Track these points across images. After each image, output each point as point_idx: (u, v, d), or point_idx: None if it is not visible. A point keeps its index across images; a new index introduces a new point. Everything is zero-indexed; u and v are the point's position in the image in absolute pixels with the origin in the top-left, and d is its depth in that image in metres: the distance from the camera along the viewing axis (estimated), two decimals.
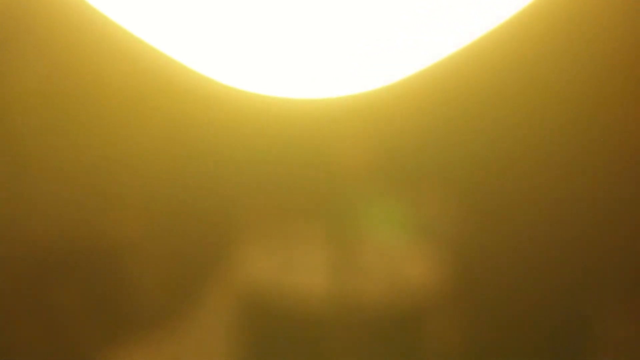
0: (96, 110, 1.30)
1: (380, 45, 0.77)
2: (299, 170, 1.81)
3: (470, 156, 2.66)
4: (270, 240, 2.12)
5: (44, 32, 1.36)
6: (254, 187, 1.69)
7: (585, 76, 2.71)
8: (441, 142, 2.28)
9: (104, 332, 1.47)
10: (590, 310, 2.20)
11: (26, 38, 1.38)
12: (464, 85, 2.32)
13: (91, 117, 1.31)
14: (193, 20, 0.79)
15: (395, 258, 2.64)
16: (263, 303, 2.10)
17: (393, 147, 2.36)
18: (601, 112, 2.80)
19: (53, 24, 1.32)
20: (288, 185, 1.74)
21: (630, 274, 2.72)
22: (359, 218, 2.08)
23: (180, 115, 1.52)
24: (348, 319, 1.98)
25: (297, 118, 1.45)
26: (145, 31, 0.83)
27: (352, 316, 1.96)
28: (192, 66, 0.88)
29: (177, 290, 1.46)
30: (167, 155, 1.37)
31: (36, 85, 1.28)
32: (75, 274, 1.44)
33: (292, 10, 0.73)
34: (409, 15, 0.74)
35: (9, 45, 1.37)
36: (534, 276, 2.26)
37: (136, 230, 1.45)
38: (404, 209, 2.36)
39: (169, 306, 1.45)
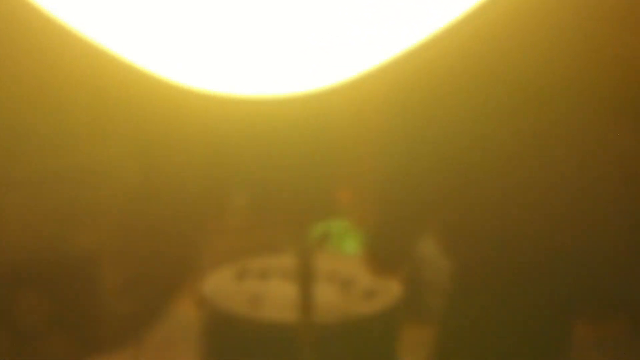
0: (64, 117, 1.31)
1: (333, 44, 0.85)
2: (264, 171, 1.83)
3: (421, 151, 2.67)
4: (237, 252, 2.13)
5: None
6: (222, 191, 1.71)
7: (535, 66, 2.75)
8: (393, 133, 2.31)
9: (71, 345, 1.46)
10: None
11: None
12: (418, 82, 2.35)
13: (59, 124, 1.31)
14: (145, 22, 0.83)
15: (352, 264, 2.68)
16: (227, 315, 2.10)
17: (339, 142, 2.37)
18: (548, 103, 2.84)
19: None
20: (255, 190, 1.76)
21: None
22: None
23: (142, 119, 1.52)
24: (310, 328, 1.99)
25: (255, 116, 1.45)
26: (102, 36, 0.87)
27: (314, 326, 1.97)
28: (148, 68, 0.91)
29: (144, 302, 1.44)
30: (133, 163, 1.37)
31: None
32: (44, 286, 1.43)
33: (246, 11, 0.80)
34: (363, 14, 0.81)
35: None
36: (489, 285, 2.29)
37: (102, 241, 1.44)
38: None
39: (137, 317, 1.44)
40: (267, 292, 2.16)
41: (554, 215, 2.38)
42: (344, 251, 2.48)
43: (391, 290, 2.17)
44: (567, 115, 2.06)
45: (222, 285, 2.15)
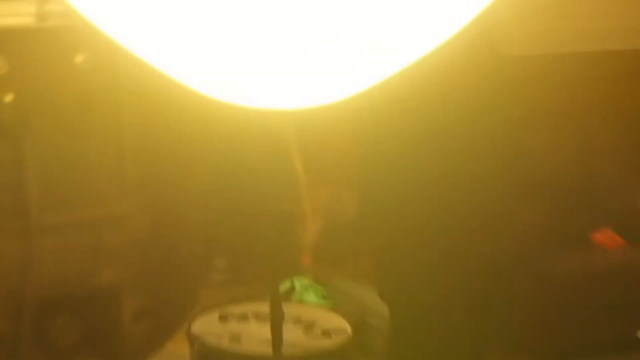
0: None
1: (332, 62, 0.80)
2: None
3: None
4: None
5: None
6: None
7: None
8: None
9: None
10: None
11: None
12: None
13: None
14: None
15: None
16: (213, 349, 2.22)
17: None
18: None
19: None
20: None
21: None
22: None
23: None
24: None
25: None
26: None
27: (283, 358, 2.08)
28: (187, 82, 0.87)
29: (155, 326, 1.54)
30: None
31: None
32: (74, 312, 1.51)
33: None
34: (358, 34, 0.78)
35: None
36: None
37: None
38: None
39: (149, 338, 1.53)
40: (245, 331, 2.29)
41: (474, 261, 2.51)
42: (306, 301, 2.66)
43: (345, 331, 2.33)
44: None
45: (208, 326, 2.30)
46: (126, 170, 1.55)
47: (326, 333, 2.37)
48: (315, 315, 2.43)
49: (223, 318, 2.42)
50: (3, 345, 1.50)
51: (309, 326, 2.36)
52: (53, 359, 1.56)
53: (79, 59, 1.50)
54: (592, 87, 4.49)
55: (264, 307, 2.31)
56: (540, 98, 3.92)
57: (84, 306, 1.53)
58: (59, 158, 1.50)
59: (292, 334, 2.27)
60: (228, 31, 0.77)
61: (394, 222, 2.43)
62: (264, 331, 2.23)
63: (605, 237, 4.27)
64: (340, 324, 2.41)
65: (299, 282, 3.14)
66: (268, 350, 2.16)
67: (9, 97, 1.45)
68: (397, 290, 2.45)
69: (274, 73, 0.81)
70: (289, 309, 2.35)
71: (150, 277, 1.58)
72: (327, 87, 0.85)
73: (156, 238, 1.61)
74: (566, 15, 4.11)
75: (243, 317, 2.46)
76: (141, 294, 1.56)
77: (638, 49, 4.07)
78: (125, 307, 1.54)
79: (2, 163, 1.45)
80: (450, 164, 2.58)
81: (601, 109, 4.42)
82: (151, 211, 1.60)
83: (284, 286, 2.68)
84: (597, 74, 4.36)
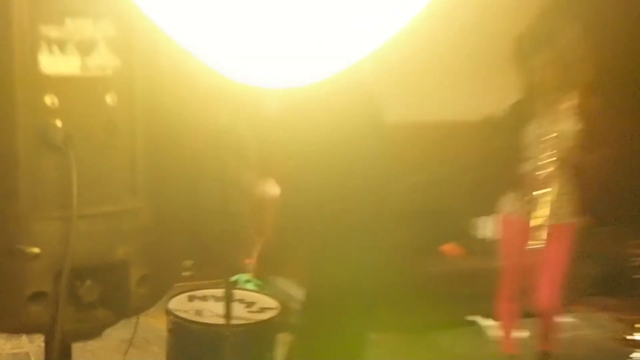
0: None
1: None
2: None
3: None
4: None
5: None
6: None
7: None
8: None
9: (111, 313, 1.68)
10: None
11: None
12: None
13: None
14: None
15: None
16: (183, 322, 2.47)
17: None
18: None
19: None
20: None
21: None
22: None
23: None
24: (230, 329, 2.33)
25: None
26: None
27: (232, 327, 2.29)
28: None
29: (153, 289, 1.71)
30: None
31: None
32: (96, 277, 1.65)
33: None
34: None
35: None
36: None
37: None
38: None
39: (149, 297, 1.69)
40: (206, 308, 2.52)
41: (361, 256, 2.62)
42: (247, 289, 2.91)
43: (275, 309, 2.59)
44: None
45: (180, 304, 2.55)
46: (136, 177, 1.67)
47: (262, 310, 2.62)
48: (254, 298, 2.66)
49: (191, 298, 2.65)
50: (47, 299, 1.65)
51: (250, 305, 2.60)
52: (80, 311, 1.68)
53: (108, 98, 1.63)
54: (443, 147, 4.86)
55: (219, 292, 2.56)
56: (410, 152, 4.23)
57: (103, 273, 1.64)
58: (92, 167, 1.60)
59: (238, 310, 2.51)
60: (246, 21, 0.80)
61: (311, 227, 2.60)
62: (219, 308, 2.46)
63: (450, 248, 4.63)
64: (272, 304, 2.65)
65: (242, 277, 3.35)
66: (222, 321, 2.40)
67: (59, 123, 1.57)
68: (312, 283, 2.66)
69: (273, 56, 0.82)
70: (236, 293, 2.61)
71: (150, 254, 1.72)
72: (313, 68, 0.85)
73: (155, 226, 1.80)
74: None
75: (204, 298, 2.70)
76: (143, 265, 1.69)
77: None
78: (132, 274, 1.67)
79: (54, 169, 1.56)
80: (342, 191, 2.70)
81: (450, 163, 4.80)
82: (153, 207, 1.70)
83: (233, 279, 2.89)
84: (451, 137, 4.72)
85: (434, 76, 4.79)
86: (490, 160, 3.86)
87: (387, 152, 2.65)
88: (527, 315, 3.71)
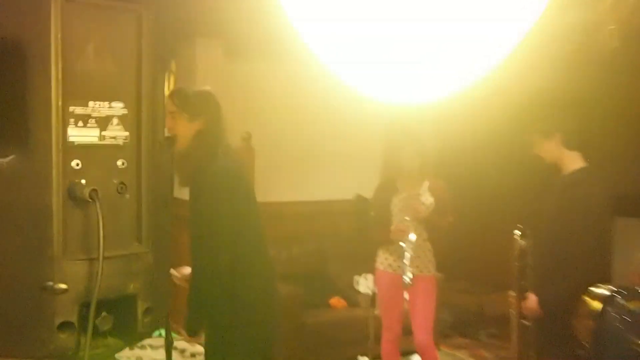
0: None
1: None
2: None
3: None
4: None
5: None
6: None
7: None
8: None
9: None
10: None
11: None
12: None
13: None
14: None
15: None
16: None
17: None
18: None
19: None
20: None
21: None
22: None
23: None
24: None
25: None
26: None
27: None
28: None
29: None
30: None
31: None
32: None
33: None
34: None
35: None
36: None
37: None
38: None
39: None
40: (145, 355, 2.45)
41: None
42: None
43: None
44: None
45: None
46: (142, 227, 1.80)
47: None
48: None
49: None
50: (73, 328, 1.65)
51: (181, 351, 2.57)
52: (95, 338, 1.69)
53: (119, 162, 1.76)
54: (324, 221, 5.12)
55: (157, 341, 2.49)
56: None
57: (115, 305, 1.73)
58: (107, 219, 1.70)
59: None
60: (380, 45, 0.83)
61: None
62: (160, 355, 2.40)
63: (336, 301, 4.82)
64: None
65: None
66: None
67: (83, 181, 1.69)
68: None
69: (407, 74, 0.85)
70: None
71: (153, 289, 1.79)
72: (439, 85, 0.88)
73: (156, 268, 1.91)
74: None
75: (142, 347, 2.69)
76: (148, 299, 1.78)
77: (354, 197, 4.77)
78: (139, 306, 1.77)
79: (81, 218, 1.67)
80: None
81: (332, 234, 5.07)
82: (154, 253, 1.82)
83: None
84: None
85: (313, 166, 5.09)
86: (364, 228, 4.13)
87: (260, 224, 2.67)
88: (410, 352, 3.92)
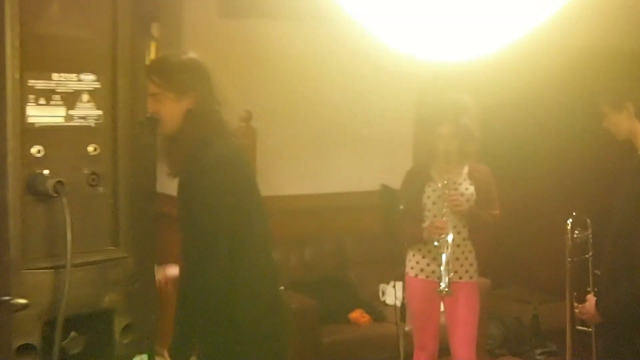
0: None
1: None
2: None
3: None
4: None
5: None
6: None
7: None
8: None
9: None
10: None
11: None
12: None
13: None
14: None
15: None
16: None
17: None
18: None
19: None
20: None
21: None
22: None
23: None
24: None
25: None
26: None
27: None
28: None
29: None
30: None
31: None
32: None
33: None
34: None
35: None
36: None
37: None
38: None
39: None
40: None
41: None
42: None
43: None
44: None
45: None
46: (119, 227, 1.80)
47: None
48: None
49: None
50: (35, 352, 1.69)
51: None
52: None
53: (90, 148, 1.76)
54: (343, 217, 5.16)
55: None
56: None
57: (88, 323, 1.74)
58: (80, 216, 1.71)
59: None
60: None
61: None
62: None
63: (358, 315, 4.83)
64: None
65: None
66: None
67: (46, 172, 1.68)
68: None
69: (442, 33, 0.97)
70: None
71: (133, 303, 1.84)
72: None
73: (138, 274, 1.91)
74: None
75: None
76: (127, 314, 1.78)
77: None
78: (116, 324, 1.77)
79: (43, 217, 1.67)
80: None
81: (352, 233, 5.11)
82: (135, 258, 1.83)
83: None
84: None
85: (329, 151, 5.09)
86: (391, 226, 4.13)
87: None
88: None
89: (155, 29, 4.45)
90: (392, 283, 4.49)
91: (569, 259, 2.98)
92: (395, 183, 4.16)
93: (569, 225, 3.00)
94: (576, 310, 3.12)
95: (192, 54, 2.48)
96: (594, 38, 3.87)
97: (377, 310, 4.63)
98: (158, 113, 2.45)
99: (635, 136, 3.05)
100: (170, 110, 2.38)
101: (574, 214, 3.00)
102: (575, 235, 3.33)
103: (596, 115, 3.07)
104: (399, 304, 4.16)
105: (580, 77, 4.07)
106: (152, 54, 4.24)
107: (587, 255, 3.40)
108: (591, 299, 3.07)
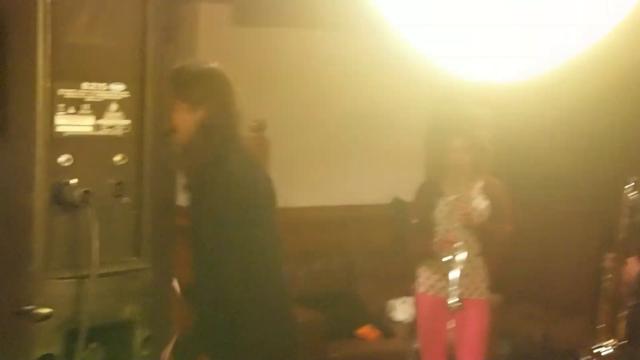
0: None
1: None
2: None
3: None
4: None
5: None
6: None
7: None
8: None
9: None
10: None
11: None
12: None
13: None
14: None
15: None
16: None
17: None
18: None
19: None
20: None
21: None
22: None
23: None
24: None
25: None
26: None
27: None
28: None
29: None
30: None
31: None
32: None
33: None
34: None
35: None
36: None
37: None
38: None
39: None
40: None
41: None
42: None
43: None
44: None
45: None
46: (142, 238, 1.81)
47: None
48: None
49: None
50: None
51: None
52: None
53: (116, 158, 1.78)
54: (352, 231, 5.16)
55: None
56: None
57: (108, 334, 1.74)
58: (103, 227, 1.71)
59: None
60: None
61: None
62: None
63: (367, 331, 4.83)
64: None
65: None
66: None
67: (73, 181, 1.70)
68: None
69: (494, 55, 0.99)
70: None
71: (154, 315, 1.81)
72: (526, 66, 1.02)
73: (158, 288, 1.92)
74: None
75: None
76: (148, 325, 1.79)
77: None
78: (137, 335, 1.78)
79: (67, 226, 1.68)
80: None
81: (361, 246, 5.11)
82: (155, 269, 1.84)
83: None
84: None
85: (341, 163, 5.09)
86: (402, 240, 4.12)
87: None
88: None
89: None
90: (401, 299, 4.48)
91: (625, 219, 3.00)
92: (407, 196, 4.16)
93: (628, 187, 3.02)
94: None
95: (213, 64, 2.46)
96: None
97: (386, 326, 4.63)
98: (172, 123, 2.44)
99: None
100: (184, 121, 2.37)
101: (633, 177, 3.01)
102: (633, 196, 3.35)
103: (617, 135, 3.07)
104: (408, 320, 4.16)
105: (604, 93, 4.04)
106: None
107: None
108: (633, 261, 3.08)
